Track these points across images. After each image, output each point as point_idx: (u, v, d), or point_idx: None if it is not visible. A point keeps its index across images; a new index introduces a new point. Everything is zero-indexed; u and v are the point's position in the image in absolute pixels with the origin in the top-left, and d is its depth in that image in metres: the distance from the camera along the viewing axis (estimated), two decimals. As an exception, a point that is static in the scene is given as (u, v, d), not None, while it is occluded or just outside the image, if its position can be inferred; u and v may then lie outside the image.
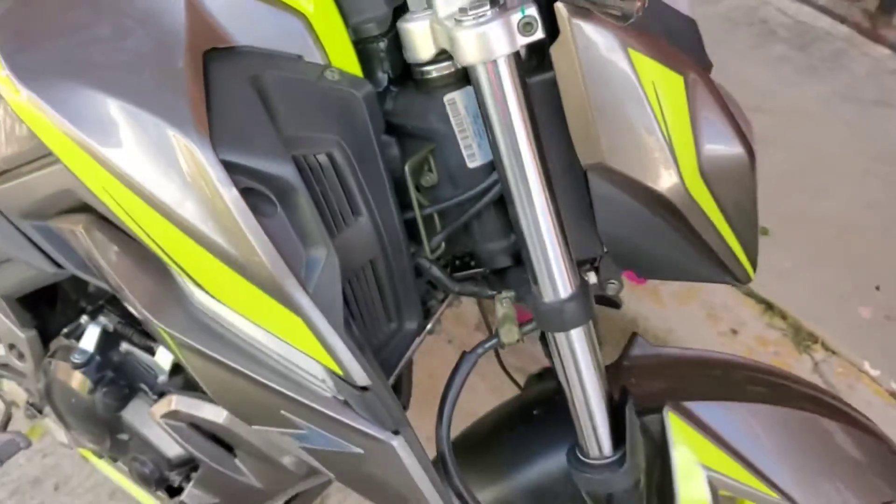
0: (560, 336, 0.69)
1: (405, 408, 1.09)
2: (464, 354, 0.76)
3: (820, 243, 1.51)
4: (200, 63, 0.62)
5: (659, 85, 0.60)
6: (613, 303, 0.92)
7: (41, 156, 0.77)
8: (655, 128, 0.61)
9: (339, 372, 0.66)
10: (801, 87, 1.85)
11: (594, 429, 0.74)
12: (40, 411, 1.25)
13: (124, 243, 0.76)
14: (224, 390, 0.75)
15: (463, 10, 0.59)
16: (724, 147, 0.64)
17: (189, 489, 1.01)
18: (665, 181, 0.63)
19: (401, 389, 1.04)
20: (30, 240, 0.91)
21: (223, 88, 0.63)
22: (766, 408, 0.82)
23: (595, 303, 0.75)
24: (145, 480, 1.06)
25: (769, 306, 1.42)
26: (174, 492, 1.08)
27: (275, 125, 0.64)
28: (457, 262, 0.83)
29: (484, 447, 0.88)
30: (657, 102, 0.61)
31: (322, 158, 0.67)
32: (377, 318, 0.75)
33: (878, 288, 1.43)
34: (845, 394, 1.30)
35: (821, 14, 2.06)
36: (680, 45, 0.65)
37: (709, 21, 1.98)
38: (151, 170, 0.62)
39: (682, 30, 0.68)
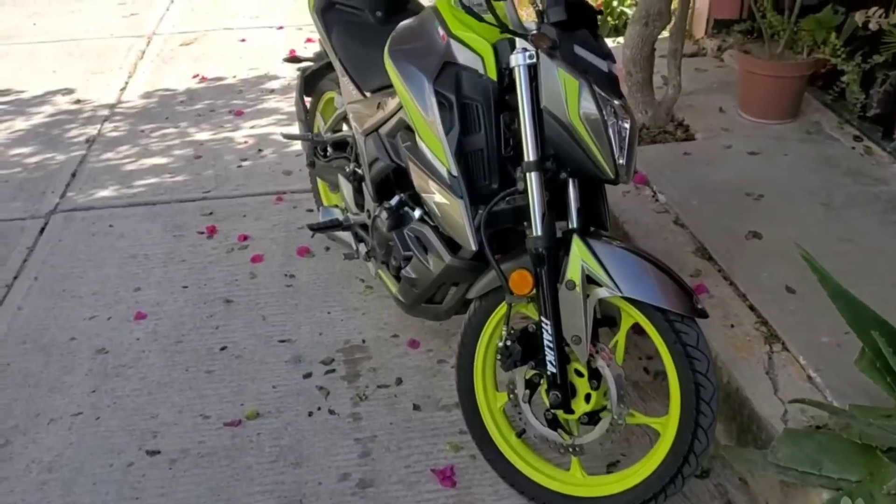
0: (527, 175, 1.82)
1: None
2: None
3: (826, 306, 2.26)
4: (442, 63, 1.94)
5: (566, 80, 1.75)
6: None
7: (399, 106, 2.16)
8: (562, 95, 1.75)
9: (448, 167, 1.89)
10: (893, 238, 2.58)
11: (536, 223, 1.82)
12: (369, 257, 2.61)
13: (408, 135, 2.10)
14: (417, 178, 2.01)
15: (517, 51, 1.82)
16: (588, 109, 1.74)
17: (406, 268, 2.27)
18: (562, 114, 1.75)
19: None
20: (385, 148, 2.30)
21: (445, 72, 1.94)
22: (628, 253, 1.81)
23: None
24: (393, 268, 2.35)
25: (764, 322, 2.24)
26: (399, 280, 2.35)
27: (458, 89, 1.92)
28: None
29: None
30: (564, 86, 1.75)
31: (474, 106, 1.93)
32: (479, 175, 1.95)
33: (846, 333, 2.15)
34: (780, 375, 2.08)
35: (961, 210, 2.73)
36: (595, 79, 1.78)
37: (858, 196, 2.84)
38: (418, 92, 1.96)
39: (601, 76, 1.80)
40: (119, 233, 3.25)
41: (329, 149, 2.87)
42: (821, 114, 3.45)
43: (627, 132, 1.80)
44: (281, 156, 3.86)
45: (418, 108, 1.95)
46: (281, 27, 5.61)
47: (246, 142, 4.01)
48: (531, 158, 1.82)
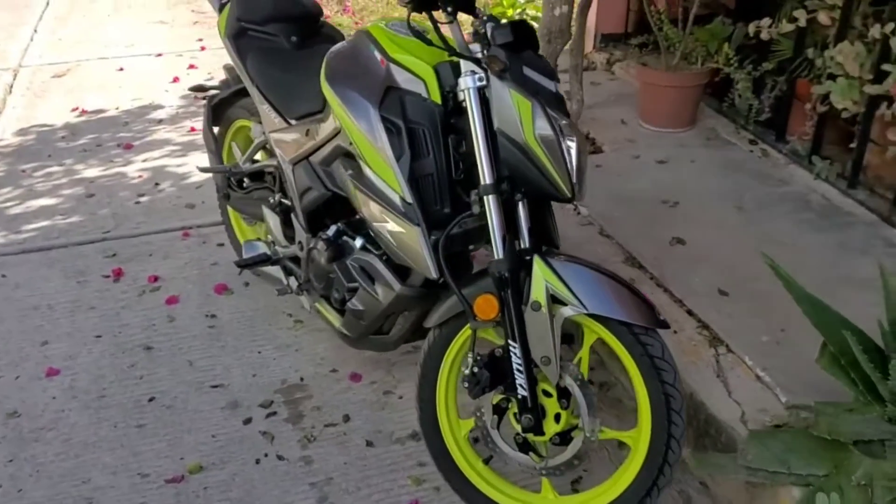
0: (484, 199, 1.80)
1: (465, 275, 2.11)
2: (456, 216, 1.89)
3: (759, 305, 2.36)
4: (384, 88, 1.89)
5: (519, 101, 1.74)
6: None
7: (334, 133, 2.09)
8: (516, 117, 1.74)
9: (401, 194, 1.84)
10: (807, 235, 2.72)
11: (497, 247, 1.80)
12: (302, 291, 2.51)
13: (349, 162, 2.03)
14: (367, 207, 1.94)
15: (465, 73, 1.79)
16: (542, 130, 1.74)
17: (352, 300, 2.19)
18: (518, 136, 1.74)
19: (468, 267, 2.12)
20: (319, 177, 2.22)
21: (389, 97, 1.89)
22: (588, 270, 1.81)
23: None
24: (336, 301, 2.27)
25: (705, 326, 2.30)
26: (343, 312, 2.27)
27: (404, 114, 1.88)
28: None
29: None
30: (517, 107, 1.74)
31: (420, 131, 1.88)
32: (431, 200, 1.91)
33: (783, 330, 2.25)
34: (726, 373, 2.14)
35: (857, 205, 2.91)
36: (545, 99, 1.78)
37: (767, 197, 2.97)
38: (363, 119, 1.90)
39: (550, 96, 1.80)
40: (14, 283, 3.00)
41: (246, 180, 2.75)
42: (715, 120, 3.61)
43: (577, 150, 1.81)
44: (180, 189, 3.68)
45: (365, 135, 1.89)
46: (160, 54, 5.37)
47: (140, 176, 3.80)
48: (488, 181, 1.79)
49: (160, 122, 4.41)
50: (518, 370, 1.83)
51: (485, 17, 1.83)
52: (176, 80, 4.93)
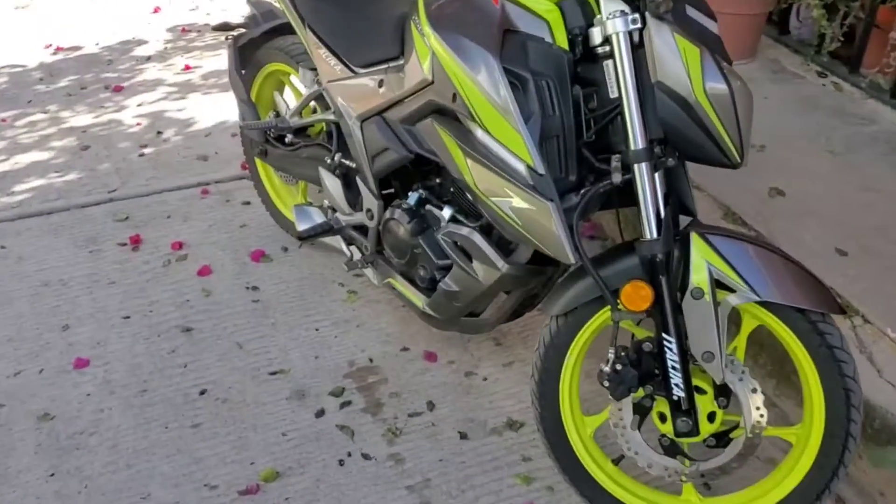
0: (635, 167, 1.51)
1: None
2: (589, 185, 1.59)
3: (884, 266, 2.13)
4: (502, 32, 1.55)
5: (686, 49, 1.44)
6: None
7: (422, 85, 1.74)
8: (682, 68, 1.44)
9: (531, 164, 1.52)
10: (909, 181, 2.49)
11: (650, 223, 1.52)
12: (368, 264, 2.20)
13: (447, 122, 1.69)
14: (482, 178, 1.62)
15: (611, 14, 1.47)
16: (714, 83, 1.45)
17: (445, 280, 1.90)
18: (685, 91, 1.45)
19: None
20: (398, 137, 1.88)
21: (509, 43, 1.55)
22: (751, 246, 1.55)
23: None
24: (420, 279, 1.97)
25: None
26: (430, 292, 1.98)
27: (527, 63, 1.55)
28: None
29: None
30: (684, 55, 1.44)
31: (543, 83, 1.56)
32: (555, 165, 1.60)
33: (916, 295, 2.03)
34: (869, 347, 1.91)
35: (949, 144, 2.68)
36: (708, 44, 1.48)
37: (855, 138, 2.71)
38: (481, 72, 1.54)
39: (710, 39, 1.51)
40: (17, 255, 2.63)
41: (290, 135, 2.39)
42: (775, 50, 3.32)
43: (747, 108, 1.52)
44: (187, 138, 3.29)
45: (484, 91, 1.55)
46: (134, -20, 4.85)
47: (139, 123, 3.39)
48: (640, 146, 1.50)
49: (148, 59, 3.96)
50: (673, 368, 1.57)
51: None
52: (157, 10, 4.46)
